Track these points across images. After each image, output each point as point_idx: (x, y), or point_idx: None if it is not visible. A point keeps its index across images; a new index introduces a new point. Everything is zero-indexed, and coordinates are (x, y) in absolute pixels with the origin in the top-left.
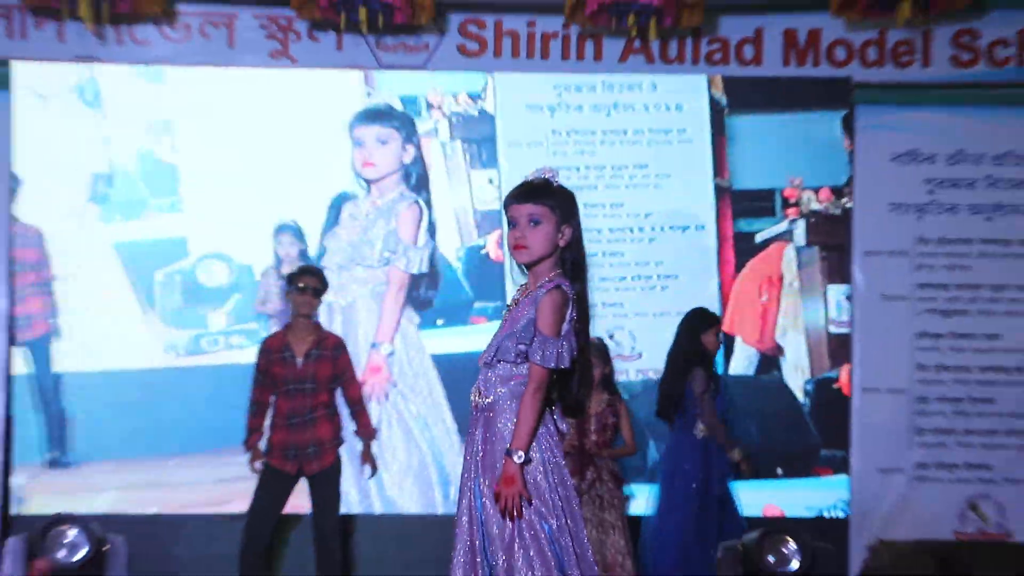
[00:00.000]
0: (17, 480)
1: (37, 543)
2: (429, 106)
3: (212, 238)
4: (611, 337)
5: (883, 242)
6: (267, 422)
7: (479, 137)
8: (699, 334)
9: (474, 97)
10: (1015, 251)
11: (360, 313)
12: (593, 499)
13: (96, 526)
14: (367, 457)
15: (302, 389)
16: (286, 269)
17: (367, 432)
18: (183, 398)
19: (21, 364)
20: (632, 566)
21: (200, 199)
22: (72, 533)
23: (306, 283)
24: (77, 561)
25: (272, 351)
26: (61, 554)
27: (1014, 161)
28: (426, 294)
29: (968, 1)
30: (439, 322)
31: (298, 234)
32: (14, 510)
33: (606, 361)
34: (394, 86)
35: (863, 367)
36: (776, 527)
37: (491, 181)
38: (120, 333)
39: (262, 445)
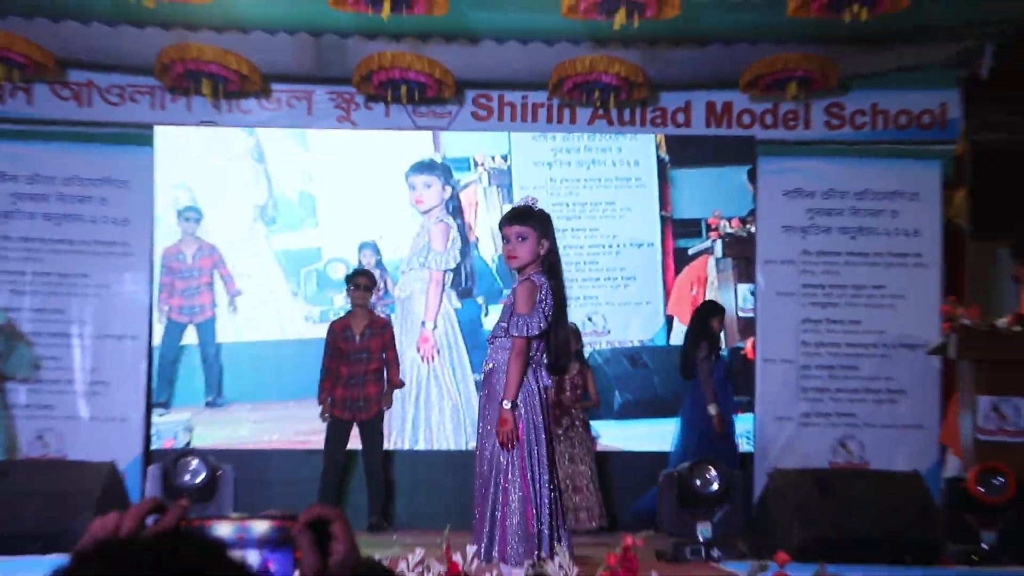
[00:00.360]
0: (184, 416)
1: (170, 470)
2: (475, 163)
3: (336, 247)
4: (590, 319)
5: (777, 254)
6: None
7: (505, 183)
8: (708, 319)
9: (504, 157)
10: (871, 261)
11: (415, 301)
12: (569, 439)
13: (212, 458)
14: (388, 397)
15: (359, 359)
16: None
17: (395, 381)
18: (305, 358)
19: (192, 337)
20: (596, 490)
21: (330, 220)
22: (194, 463)
23: (359, 282)
24: (198, 483)
25: (337, 331)
26: (186, 478)
27: (870, 196)
28: (466, 286)
29: (836, 83)
30: (479, 300)
31: (375, 249)
32: (181, 440)
33: (578, 339)
34: (452, 148)
35: (763, 343)
36: (701, 459)
37: None
38: (277, 311)
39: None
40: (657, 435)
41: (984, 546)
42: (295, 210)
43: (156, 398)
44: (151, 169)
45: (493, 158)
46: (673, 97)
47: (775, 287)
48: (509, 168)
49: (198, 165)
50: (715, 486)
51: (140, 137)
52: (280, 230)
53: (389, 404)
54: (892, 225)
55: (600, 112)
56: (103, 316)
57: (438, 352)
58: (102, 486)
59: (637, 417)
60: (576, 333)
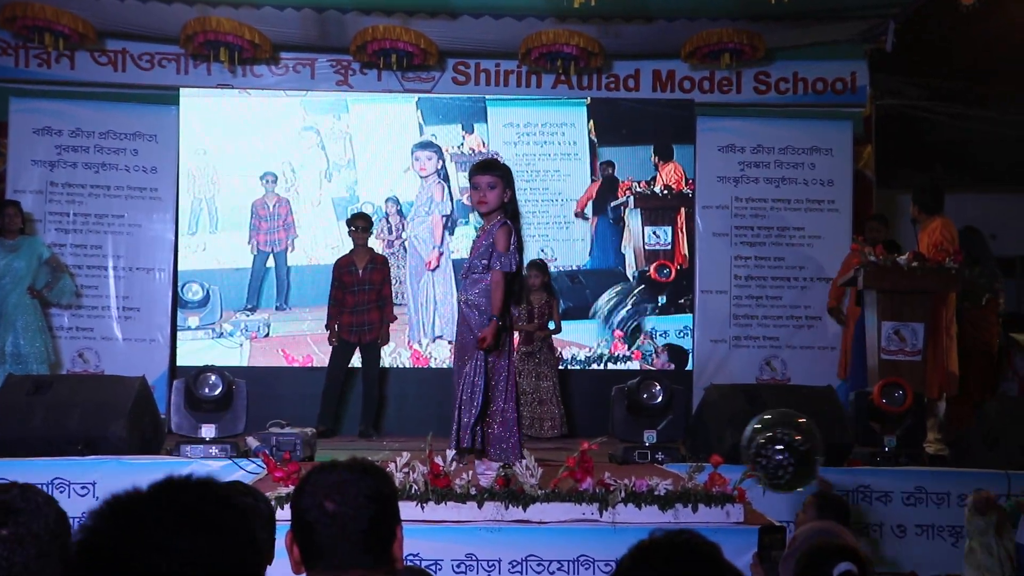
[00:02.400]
0: (264, 315)
1: (192, 384)
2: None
3: (369, 193)
4: (542, 251)
5: (713, 200)
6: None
7: (482, 155)
8: None
9: (459, 146)
10: (792, 206)
11: (421, 238)
12: (536, 359)
13: (227, 373)
14: (386, 332)
15: (362, 289)
16: (392, 221)
17: (390, 316)
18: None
19: (271, 263)
20: (558, 402)
21: (367, 175)
22: (213, 377)
23: (358, 224)
24: (216, 396)
25: (342, 266)
26: (205, 391)
27: (792, 151)
28: (454, 226)
29: (763, 55)
30: (460, 234)
31: (396, 201)
32: (261, 333)
33: (545, 272)
34: (440, 136)
35: (701, 277)
36: (648, 375)
37: None
38: (329, 240)
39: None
40: (588, 330)
41: (885, 448)
42: (343, 172)
43: (247, 304)
44: (176, 125)
45: (463, 143)
46: (624, 65)
47: (711, 228)
48: (463, 151)
49: (291, 145)
50: (660, 399)
51: (167, 98)
52: (334, 184)
53: (386, 340)
54: (810, 176)
55: (562, 78)
56: (135, 251)
57: (438, 266)
58: (134, 397)
59: (575, 318)
60: (543, 267)
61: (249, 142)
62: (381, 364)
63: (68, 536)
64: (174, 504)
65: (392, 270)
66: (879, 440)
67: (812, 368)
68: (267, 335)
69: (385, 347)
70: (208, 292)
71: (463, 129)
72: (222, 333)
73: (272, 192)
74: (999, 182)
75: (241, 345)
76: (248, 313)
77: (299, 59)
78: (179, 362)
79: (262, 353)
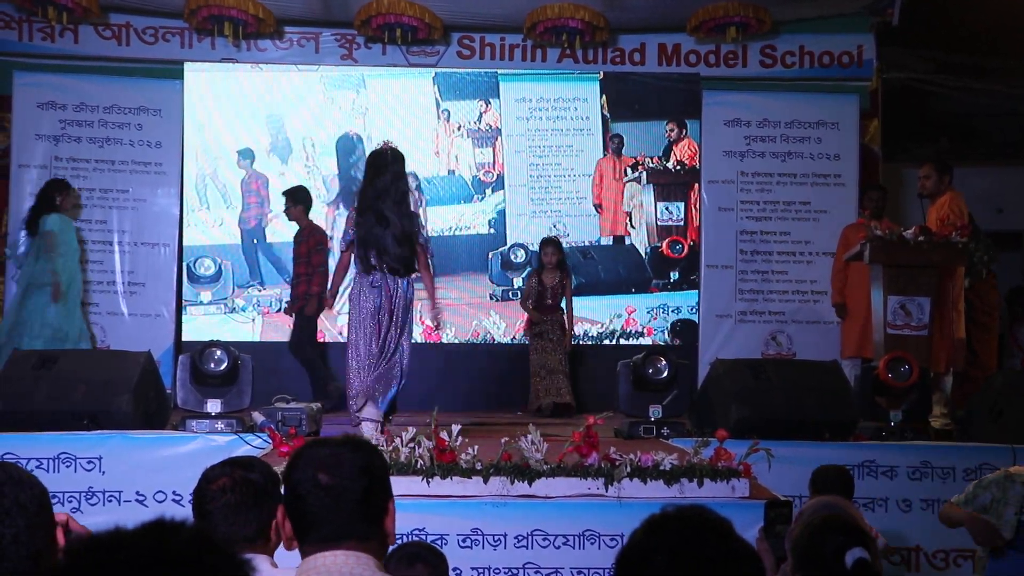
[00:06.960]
0: (275, 291)
1: (197, 359)
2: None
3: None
4: (554, 226)
5: (719, 175)
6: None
7: (497, 130)
8: None
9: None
10: (799, 181)
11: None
12: (549, 338)
13: (233, 348)
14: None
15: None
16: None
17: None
18: None
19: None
20: (567, 376)
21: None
22: (219, 352)
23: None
24: (221, 370)
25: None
26: (211, 366)
27: (798, 125)
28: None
29: (769, 28)
30: (475, 209)
31: (416, 175)
32: (276, 307)
33: (560, 250)
34: (457, 111)
35: (707, 252)
36: (654, 350)
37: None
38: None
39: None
40: (600, 306)
41: (891, 423)
42: (360, 146)
43: (251, 280)
44: (181, 99)
45: (481, 115)
46: (630, 39)
47: (717, 203)
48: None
49: (311, 119)
50: (665, 374)
51: (171, 72)
52: (347, 159)
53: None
54: (816, 150)
55: (567, 52)
56: (139, 226)
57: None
58: (139, 372)
59: (587, 294)
60: (558, 244)
61: (259, 117)
62: None
63: (52, 511)
64: (161, 544)
65: None
66: (885, 415)
67: (818, 343)
68: (279, 310)
69: None
70: (220, 267)
71: (485, 104)
72: (234, 308)
73: (251, 168)
74: (1006, 156)
75: (253, 320)
76: (259, 288)
77: (304, 33)
78: (192, 337)
79: (274, 328)
